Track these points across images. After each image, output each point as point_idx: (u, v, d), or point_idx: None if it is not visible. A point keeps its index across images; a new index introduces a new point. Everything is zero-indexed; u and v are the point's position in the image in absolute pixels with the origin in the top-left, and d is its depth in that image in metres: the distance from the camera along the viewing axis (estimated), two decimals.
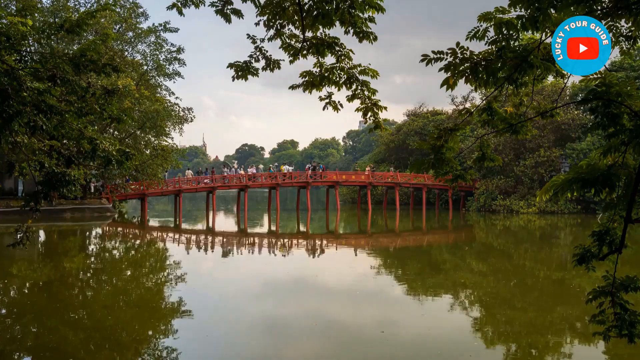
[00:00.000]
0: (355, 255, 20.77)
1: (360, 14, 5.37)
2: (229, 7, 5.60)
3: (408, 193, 52.79)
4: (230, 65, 6.01)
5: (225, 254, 20.65)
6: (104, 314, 10.99)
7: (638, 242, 19.87)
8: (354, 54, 5.88)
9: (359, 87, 6.02)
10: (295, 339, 9.49)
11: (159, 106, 36.40)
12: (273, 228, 32.47)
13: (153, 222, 35.73)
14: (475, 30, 4.56)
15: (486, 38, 4.53)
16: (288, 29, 5.77)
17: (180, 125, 42.23)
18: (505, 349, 9.12)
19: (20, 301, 12.52)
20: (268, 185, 46.16)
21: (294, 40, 5.85)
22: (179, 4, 5.57)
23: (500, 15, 4.40)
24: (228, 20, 5.64)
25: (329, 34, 5.77)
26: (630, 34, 4.67)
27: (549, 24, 4.26)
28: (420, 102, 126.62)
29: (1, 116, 6.67)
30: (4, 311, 11.55)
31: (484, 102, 5.00)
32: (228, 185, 44.96)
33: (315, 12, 5.26)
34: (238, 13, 5.66)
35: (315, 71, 5.98)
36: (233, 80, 6.10)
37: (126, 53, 38.31)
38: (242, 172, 47.64)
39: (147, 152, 37.02)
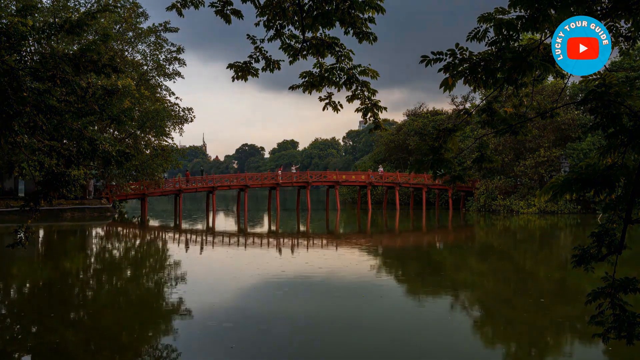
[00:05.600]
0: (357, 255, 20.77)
1: (360, 15, 5.37)
2: (228, 7, 5.60)
3: (408, 193, 52.80)
4: (230, 66, 6.01)
5: (225, 254, 20.64)
6: (104, 314, 10.99)
7: (638, 242, 19.87)
8: (353, 54, 5.88)
9: (359, 88, 6.02)
10: (296, 338, 9.48)
11: (159, 106, 36.43)
12: (273, 228, 32.47)
13: (153, 222, 35.72)
14: (476, 31, 4.55)
15: (486, 39, 4.52)
16: (288, 30, 5.77)
17: (180, 125, 42.31)
18: (505, 349, 9.12)
19: (20, 301, 12.51)
20: (268, 185, 46.17)
21: (294, 40, 5.85)
22: (178, 4, 5.57)
23: (500, 16, 4.40)
24: (228, 20, 5.64)
25: (328, 35, 5.77)
26: (629, 34, 4.67)
27: (548, 24, 4.25)
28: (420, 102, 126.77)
29: (1, 116, 6.67)
30: (4, 311, 11.55)
31: (484, 102, 5.00)
32: (228, 185, 45.02)
33: (315, 13, 5.26)
34: (238, 14, 5.66)
35: (315, 72, 5.98)
36: (233, 80, 6.11)
37: (126, 53, 38.33)
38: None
39: (147, 152, 37.03)
